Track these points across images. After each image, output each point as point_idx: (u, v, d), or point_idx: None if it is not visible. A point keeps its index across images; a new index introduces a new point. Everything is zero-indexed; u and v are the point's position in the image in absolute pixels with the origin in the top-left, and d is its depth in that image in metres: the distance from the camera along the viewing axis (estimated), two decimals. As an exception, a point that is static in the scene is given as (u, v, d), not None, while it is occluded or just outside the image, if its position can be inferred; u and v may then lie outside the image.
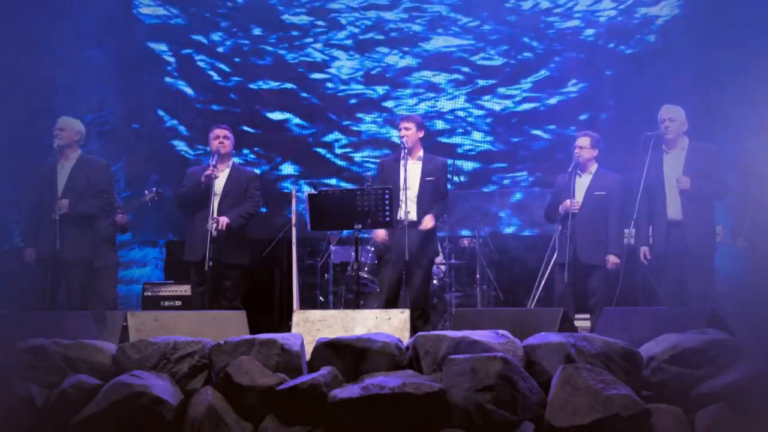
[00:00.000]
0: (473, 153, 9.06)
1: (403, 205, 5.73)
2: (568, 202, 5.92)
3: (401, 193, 5.75)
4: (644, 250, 5.77)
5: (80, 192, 5.91)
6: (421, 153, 6.04)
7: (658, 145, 5.76)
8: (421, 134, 6.04)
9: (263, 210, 6.87)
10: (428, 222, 5.86)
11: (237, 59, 9.11)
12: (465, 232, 8.11)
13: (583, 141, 6.04)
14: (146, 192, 6.81)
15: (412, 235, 5.63)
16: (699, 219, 5.61)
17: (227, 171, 6.14)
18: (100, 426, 3.92)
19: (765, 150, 5.33)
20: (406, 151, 5.85)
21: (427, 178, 5.95)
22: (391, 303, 5.76)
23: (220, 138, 6.08)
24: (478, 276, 7.51)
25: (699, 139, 5.80)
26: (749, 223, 5.92)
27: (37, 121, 6.35)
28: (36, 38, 6.58)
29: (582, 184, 6.03)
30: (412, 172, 5.87)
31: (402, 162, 5.86)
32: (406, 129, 5.97)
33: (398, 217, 5.64)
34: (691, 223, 5.59)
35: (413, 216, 5.82)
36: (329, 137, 9.14)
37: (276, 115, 9.10)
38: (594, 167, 6.07)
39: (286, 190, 8.74)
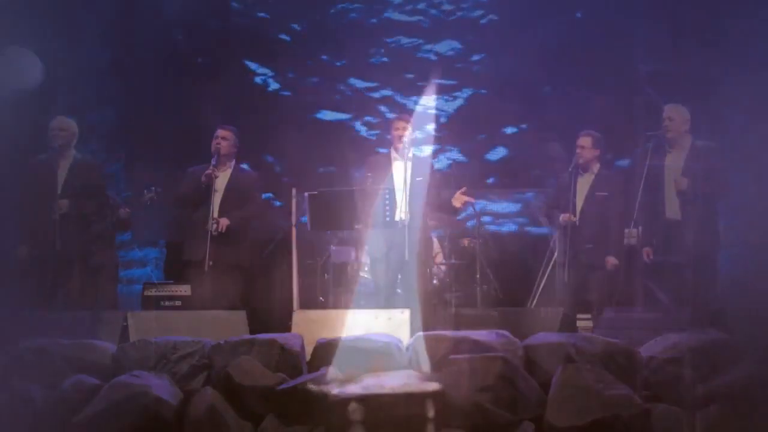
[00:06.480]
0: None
1: (402, 206, 5.70)
2: (567, 216, 5.89)
3: (400, 193, 5.72)
4: (647, 251, 5.73)
5: (78, 192, 5.90)
6: (411, 153, 5.96)
7: (662, 144, 5.74)
8: (414, 135, 6.02)
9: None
10: None
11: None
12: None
13: (585, 141, 6.02)
14: (145, 192, 6.78)
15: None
16: (699, 219, 5.57)
17: (229, 171, 6.12)
18: (100, 426, 3.92)
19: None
20: (406, 150, 5.81)
21: (417, 179, 5.91)
22: (389, 302, 5.74)
23: (218, 138, 6.06)
24: (478, 276, 7.50)
25: (704, 137, 5.72)
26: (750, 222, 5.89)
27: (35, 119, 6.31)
28: (36, 37, 6.56)
29: (583, 184, 6.01)
30: (407, 173, 5.84)
31: (403, 162, 5.83)
32: (404, 129, 5.93)
33: (397, 219, 5.61)
34: (690, 223, 5.56)
35: (408, 217, 5.78)
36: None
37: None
38: (596, 167, 6.05)
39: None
